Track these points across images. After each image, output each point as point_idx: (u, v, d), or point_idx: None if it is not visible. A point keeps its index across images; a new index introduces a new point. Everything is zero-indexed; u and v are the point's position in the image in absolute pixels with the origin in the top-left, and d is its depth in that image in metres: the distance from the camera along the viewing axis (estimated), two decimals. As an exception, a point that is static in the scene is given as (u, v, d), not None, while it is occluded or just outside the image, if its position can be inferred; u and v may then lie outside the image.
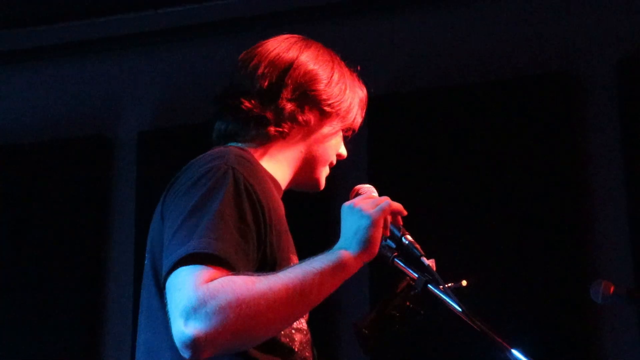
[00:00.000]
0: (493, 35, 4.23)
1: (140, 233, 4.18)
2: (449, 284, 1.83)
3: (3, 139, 4.94)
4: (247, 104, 2.02)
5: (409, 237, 1.89)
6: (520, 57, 4.17)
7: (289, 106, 2.02)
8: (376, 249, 1.83)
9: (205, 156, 1.88)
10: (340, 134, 2.14)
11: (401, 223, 1.90)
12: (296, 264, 1.81)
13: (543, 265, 3.87)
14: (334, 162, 2.15)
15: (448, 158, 4.12)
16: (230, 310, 1.60)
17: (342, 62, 2.15)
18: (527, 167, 4.00)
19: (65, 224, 4.68)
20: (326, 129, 2.08)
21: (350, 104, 2.10)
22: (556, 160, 3.98)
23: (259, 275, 1.68)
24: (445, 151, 4.13)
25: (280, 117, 2.02)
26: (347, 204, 1.91)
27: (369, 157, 4.13)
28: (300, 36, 2.15)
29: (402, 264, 1.88)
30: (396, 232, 1.90)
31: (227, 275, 1.65)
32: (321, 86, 2.05)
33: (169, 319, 1.64)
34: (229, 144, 2.03)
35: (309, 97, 2.04)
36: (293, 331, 1.89)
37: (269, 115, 2.01)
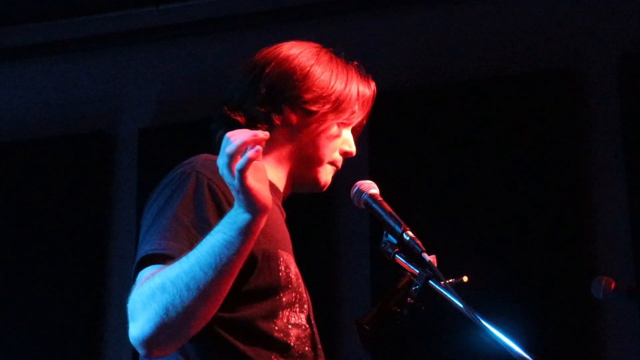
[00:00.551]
0: (494, 32, 4.23)
1: (141, 230, 4.18)
2: (450, 280, 1.82)
3: (4, 135, 4.94)
4: (225, 110, 2.01)
5: (410, 233, 1.88)
6: (522, 53, 4.17)
7: (262, 108, 1.99)
8: (253, 198, 1.61)
9: (177, 165, 1.89)
10: (344, 130, 2.07)
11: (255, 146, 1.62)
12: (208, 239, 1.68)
13: (544, 261, 3.88)
14: (338, 160, 2.08)
15: (449, 155, 4.12)
16: (150, 308, 1.64)
17: (335, 56, 2.07)
18: (528, 164, 4.00)
19: (65, 220, 4.69)
20: (315, 127, 2.02)
21: (340, 98, 2.01)
22: (557, 156, 3.98)
23: (174, 261, 1.67)
24: (446, 148, 4.13)
25: (254, 120, 1.98)
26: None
27: (369, 153, 4.13)
28: (294, 41, 2.09)
29: (403, 260, 1.88)
30: (397, 228, 1.89)
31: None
32: (298, 83, 1.99)
33: None
34: None
35: (285, 96, 1.99)
36: (289, 326, 1.88)
37: (241, 119, 1.98)
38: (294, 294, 1.91)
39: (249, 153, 1.58)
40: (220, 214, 1.74)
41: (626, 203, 3.88)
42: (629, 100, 3.94)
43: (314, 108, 2.00)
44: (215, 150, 2.01)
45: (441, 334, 3.70)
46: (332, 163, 2.08)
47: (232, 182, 1.60)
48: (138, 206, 4.47)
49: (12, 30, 4.97)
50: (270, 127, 1.99)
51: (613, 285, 2.46)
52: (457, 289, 1.80)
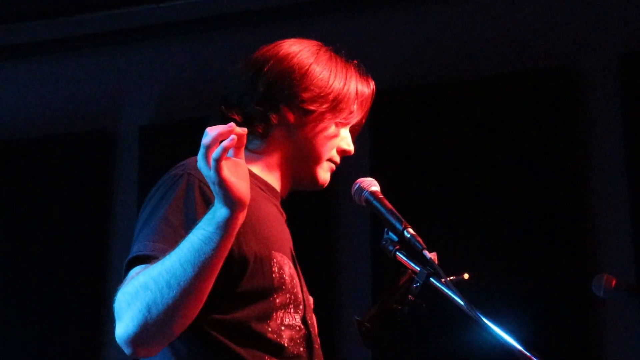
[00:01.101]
0: (495, 29, 4.23)
1: (142, 228, 4.18)
2: (451, 277, 1.82)
3: (4, 133, 4.94)
4: (223, 108, 2.01)
5: (410, 230, 1.88)
6: (523, 51, 4.17)
7: (260, 107, 1.97)
8: (229, 191, 1.61)
9: (171, 168, 1.90)
10: (342, 129, 2.06)
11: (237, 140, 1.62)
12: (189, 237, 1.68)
13: (545, 258, 3.88)
14: (336, 158, 2.07)
15: (450, 152, 4.12)
16: (134, 307, 1.65)
17: (335, 55, 2.05)
18: (529, 161, 4.00)
19: (66, 219, 4.69)
20: (313, 126, 2.00)
21: (338, 97, 1.99)
22: (558, 154, 3.98)
23: (157, 259, 1.68)
24: (447, 145, 4.13)
25: (252, 119, 1.97)
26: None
27: (370, 151, 4.13)
28: (295, 39, 2.07)
29: (404, 258, 1.88)
30: (398, 225, 1.89)
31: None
32: (296, 82, 1.97)
33: None
34: None
35: (283, 95, 1.97)
36: (282, 328, 1.87)
37: (238, 117, 1.97)
38: (288, 295, 1.90)
39: (224, 142, 1.58)
40: None
41: (627, 201, 3.87)
42: (630, 98, 3.94)
43: (311, 107, 1.99)
44: None
45: (442, 332, 3.69)
46: (330, 161, 2.07)
47: (208, 173, 1.60)
48: (139, 204, 4.46)
49: (13, 28, 4.97)
50: (267, 126, 1.98)
51: (614, 282, 2.46)
52: (458, 286, 1.80)
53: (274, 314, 1.87)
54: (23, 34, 4.97)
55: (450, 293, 1.78)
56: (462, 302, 1.76)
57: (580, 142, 3.99)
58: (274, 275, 1.87)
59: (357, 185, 2.01)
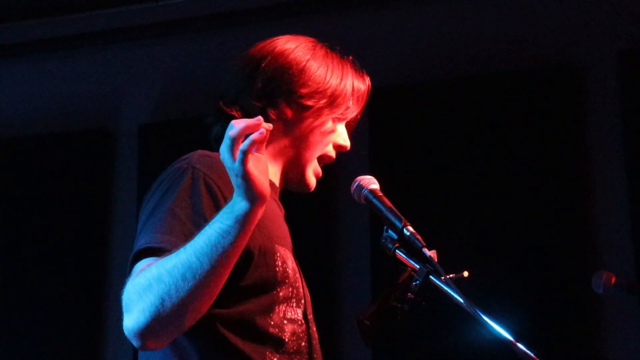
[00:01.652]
0: (494, 27, 4.23)
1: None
2: (451, 275, 1.82)
3: (4, 132, 4.94)
4: (221, 105, 2.02)
5: (410, 228, 1.88)
6: (521, 49, 4.17)
7: (258, 103, 1.99)
8: (252, 184, 1.60)
9: (173, 162, 1.90)
10: (338, 125, 2.07)
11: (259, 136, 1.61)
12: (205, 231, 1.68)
13: (544, 255, 3.88)
14: (332, 153, 2.08)
15: (449, 150, 4.12)
16: (146, 299, 1.63)
17: (331, 51, 2.06)
18: (528, 159, 4.00)
19: (66, 217, 4.69)
20: (310, 122, 2.02)
21: (335, 93, 2.01)
22: (557, 152, 3.98)
23: (169, 254, 1.67)
24: (447, 143, 4.13)
25: (250, 115, 1.94)
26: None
27: (370, 149, 4.13)
28: (290, 35, 2.09)
29: (403, 256, 1.88)
30: (398, 223, 1.90)
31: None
32: (294, 78, 1.99)
33: None
34: None
35: (281, 91, 1.99)
36: (285, 321, 1.88)
37: (236, 113, 1.98)
38: (290, 289, 1.91)
39: (254, 135, 1.58)
40: (216, 208, 1.73)
41: (626, 197, 3.88)
42: (629, 95, 3.94)
43: (309, 103, 2.00)
44: (211, 145, 2.01)
45: (442, 329, 3.70)
46: (325, 155, 2.08)
47: (232, 165, 1.60)
48: (138, 203, 4.46)
49: (12, 27, 4.97)
50: (266, 122, 1.99)
51: (613, 280, 2.46)
52: (458, 284, 1.80)
53: (277, 307, 1.87)
54: (22, 33, 4.97)
55: (449, 291, 1.78)
56: (461, 300, 1.76)
57: (579, 140, 3.99)
58: (277, 269, 1.88)
59: (357, 183, 2.02)
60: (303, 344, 1.92)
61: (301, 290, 1.96)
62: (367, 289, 4.08)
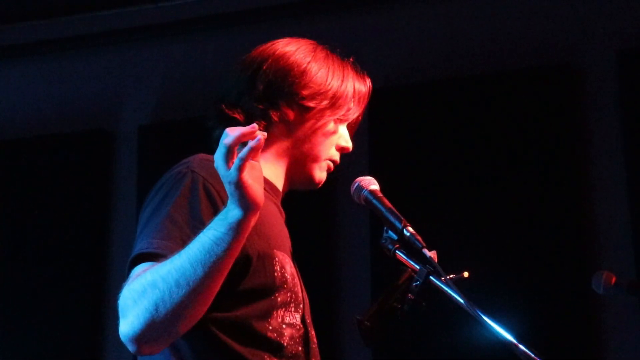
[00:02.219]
0: (493, 27, 4.23)
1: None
2: (451, 276, 1.82)
3: (4, 132, 4.94)
4: (223, 107, 2.01)
5: (410, 229, 1.88)
6: (520, 49, 4.17)
7: (260, 105, 1.99)
8: (246, 192, 1.61)
9: (174, 166, 1.90)
10: (340, 126, 2.07)
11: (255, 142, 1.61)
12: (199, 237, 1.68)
13: (544, 256, 3.88)
14: (335, 156, 2.08)
15: (449, 150, 4.12)
16: (141, 304, 1.64)
17: (331, 53, 2.07)
18: (528, 159, 4.00)
19: (65, 218, 4.68)
20: (312, 123, 2.02)
21: (337, 94, 2.02)
22: (557, 151, 3.98)
23: (166, 259, 1.67)
24: (446, 144, 4.13)
25: (252, 117, 1.97)
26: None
27: (370, 150, 4.13)
28: (290, 38, 2.09)
29: (403, 256, 1.88)
30: (397, 224, 1.89)
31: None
32: (296, 80, 1.99)
33: None
34: None
35: (282, 93, 1.99)
36: (283, 326, 1.88)
37: (239, 116, 1.98)
38: (289, 294, 1.91)
39: (252, 143, 1.58)
40: (215, 213, 1.73)
41: (626, 197, 3.88)
42: (628, 95, 3.94)
43: (311, 104, 2.00)
44: (213, 148, 2.01)
45: (442, 330, 3.70)
46: (329, 159, 2.08)
47: (226, 173, 1.60)
48: (138, 204, 4.47)
49: (12, 28, 4.97)
50: (267, 124, 1.99)
51: (613, 280, 2.47)
52: (458, 284, 1.80)
53: (275, 312, 1.87)
54: (22, 34, 4.97)
55: (450, 291, 1.78)
56: (462, 301, 1.76)
57: (579, 140, 3.99)
58: (275, 274, 1.87)
59: (357, 184, 2.01)
60: (300, 348, 1.91)
61: (300, 294, 1.96)
62: (367, 290, 4.08)
